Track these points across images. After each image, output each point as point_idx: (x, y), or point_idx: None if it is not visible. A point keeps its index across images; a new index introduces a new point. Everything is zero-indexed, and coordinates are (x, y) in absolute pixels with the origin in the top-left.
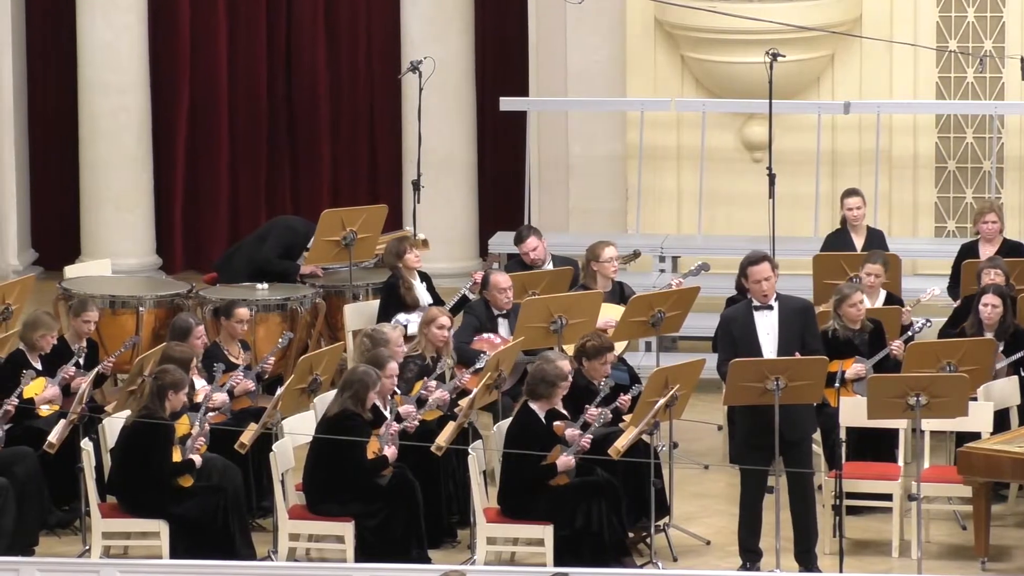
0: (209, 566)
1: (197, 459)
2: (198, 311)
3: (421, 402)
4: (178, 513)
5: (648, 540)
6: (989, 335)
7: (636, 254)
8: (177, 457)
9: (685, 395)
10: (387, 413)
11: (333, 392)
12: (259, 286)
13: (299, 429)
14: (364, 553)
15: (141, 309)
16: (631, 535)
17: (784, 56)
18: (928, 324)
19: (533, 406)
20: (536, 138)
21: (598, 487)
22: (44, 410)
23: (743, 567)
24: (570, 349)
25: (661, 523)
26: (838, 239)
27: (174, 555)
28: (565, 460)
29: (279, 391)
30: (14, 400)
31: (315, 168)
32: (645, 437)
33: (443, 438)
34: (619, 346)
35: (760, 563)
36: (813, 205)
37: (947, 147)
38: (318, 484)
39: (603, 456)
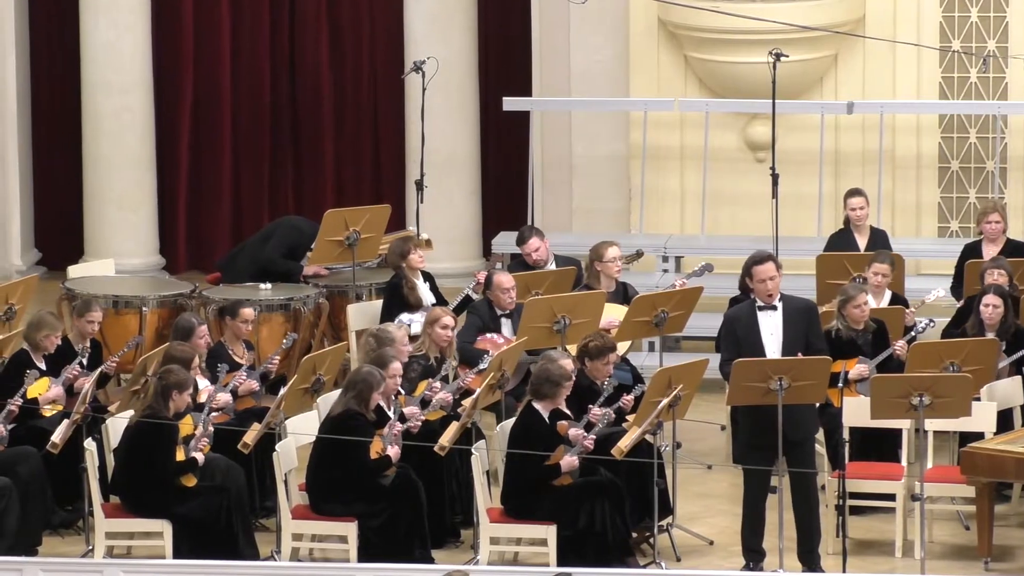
0: (212, 566)
1: (200, 457)
2: (201, 311)
3: (425, 403)
4: (181, 513)
5: (651, 540)
6: (990, 335)
7: (639, 254)
8: (180, 457)
9: (688, 395)
10: (391, 413)
11: (336, 392)
12: (262, 286)
13: (302, 429)
14: (367, 553)
15: (144, 309)
16: (634, 535)
17: (787, 56)
18: (931, 324)
19: (537, 406)
20: (539, 138)
21: (601, 487)
22: (47, 410)
23: (746, 567)
24: (573, 349)
25: (664, 523)
26: (841, 239)
27: (177, 555)
28: (568, 460)
29: (282, 391)
30: (18, 400)
31: (318, 168)
32: (648, 437)
33: (446, 438)
34: (622, 346)
35: (763, 563)
36: (816, 205)
37: (950, 147)
38: (321, 484)
39: (606, 456)
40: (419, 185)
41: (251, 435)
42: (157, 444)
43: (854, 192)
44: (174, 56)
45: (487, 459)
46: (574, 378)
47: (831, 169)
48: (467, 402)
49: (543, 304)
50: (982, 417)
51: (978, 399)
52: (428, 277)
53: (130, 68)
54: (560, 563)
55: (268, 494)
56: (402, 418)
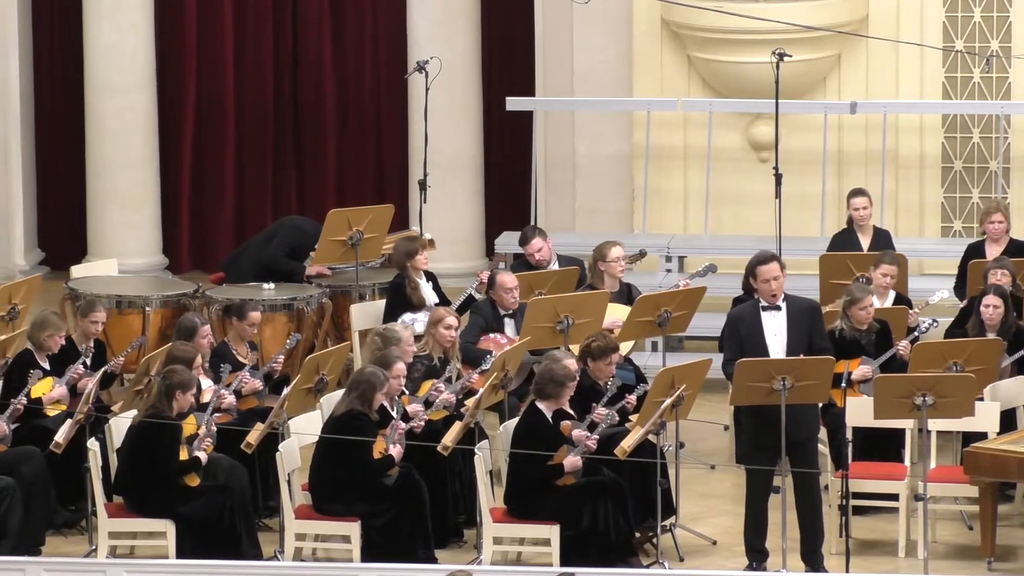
0: (215, 566)
1: (203, 456)
2: (205, 311)
3: (429, 403)
4: (185, 513)
5: (654, 540)
6: (991, 335)
7: (642, 254)
8: (184, 457)
9: (691, 395)
10: (394, 414)
11: (340, 392)
12: (265, 286)
13: (305, 429)
14: (370, 553)
15: (148, 309)
16: (637, 535)
17: (791, 56)
18: (935, 324)
19: (540, 406)
20: (542, 138)
21: (604, 487)
22: (51, 410)
23: (749, 567)
24: (576, 349)
25: (667, 523)
26: (844, 239)
27: (180, 555)
28: (571, 460)
29: (285, 391)
30: (22, 400)
31: (321, 168)
32: (651, 437)
33: (449, 438)
34: (626, 346)
35: (766, 563)
36: (819, 205)
37: (953, 147)
38: (324, 484)
39: (609, 456)
40: (422, 185)
41: (254, 435)
42: (160, 444)
43: (857, 192)
44: (177, 56)
45: (490, 459)
46: (578, 378)
47: (834, 169)
48: (470, 402)
49: (546, 304)
50: (985, 417)
51: (981, 399)
52: (431, 277)
53: (133, 68)
54: (563, 563)
55: (271, 494)
56: (405, 417)
